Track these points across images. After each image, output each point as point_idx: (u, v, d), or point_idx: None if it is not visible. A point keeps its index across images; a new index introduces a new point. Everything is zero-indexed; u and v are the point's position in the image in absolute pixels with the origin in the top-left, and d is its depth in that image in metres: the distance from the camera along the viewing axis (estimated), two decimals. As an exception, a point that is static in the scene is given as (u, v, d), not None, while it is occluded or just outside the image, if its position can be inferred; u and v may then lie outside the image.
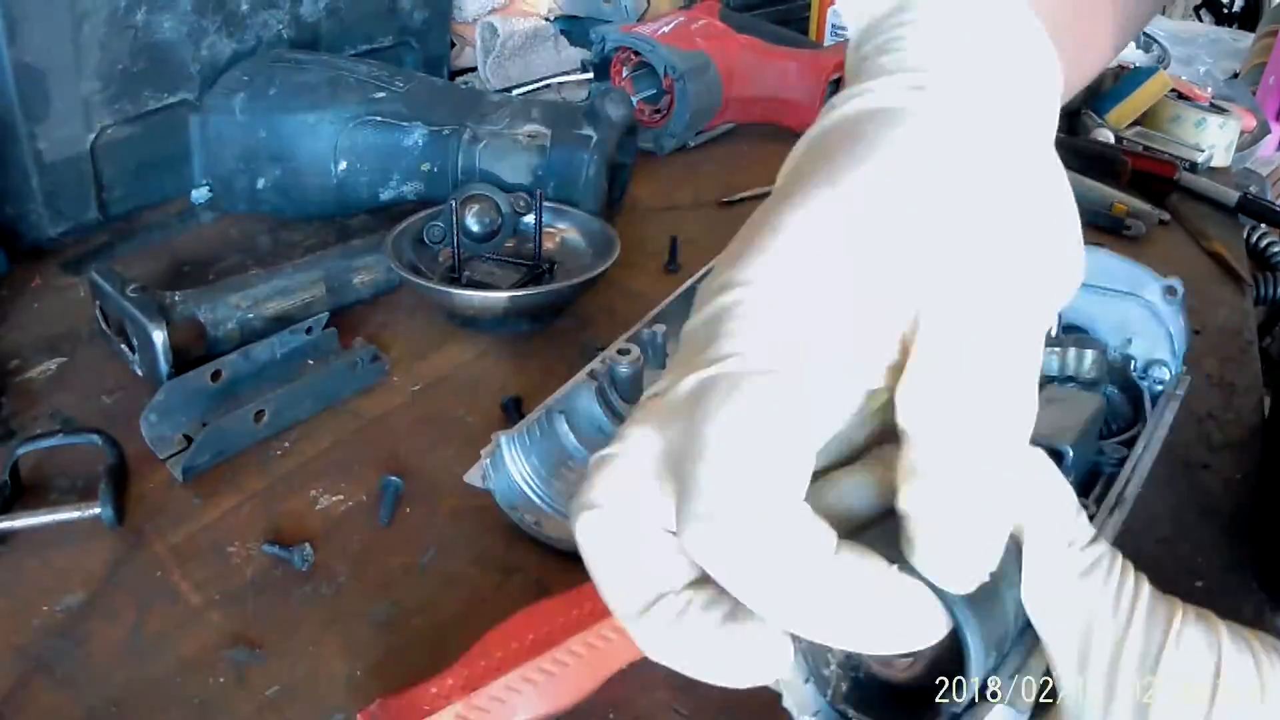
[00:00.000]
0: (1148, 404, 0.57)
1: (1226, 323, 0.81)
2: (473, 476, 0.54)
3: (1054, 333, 0.58)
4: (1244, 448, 0.65)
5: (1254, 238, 1.02)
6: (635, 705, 0.45)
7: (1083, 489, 0.50)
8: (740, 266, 0.28)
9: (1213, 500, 0.60)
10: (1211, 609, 0.52)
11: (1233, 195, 1.03)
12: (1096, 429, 0.52)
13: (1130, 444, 0.54)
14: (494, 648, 0.43)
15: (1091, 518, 0.45)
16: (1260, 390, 0.73)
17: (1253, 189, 1.08)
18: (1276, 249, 1.00)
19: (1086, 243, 0.31)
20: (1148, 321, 0.59)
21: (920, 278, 0.27)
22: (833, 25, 1.34)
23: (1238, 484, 0.62)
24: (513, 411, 0.63)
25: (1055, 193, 0.30)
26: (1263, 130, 1.20)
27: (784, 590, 0.25)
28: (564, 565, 0.52)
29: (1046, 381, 0.56)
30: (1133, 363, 0.60)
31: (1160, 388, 0.59)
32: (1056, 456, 0.46)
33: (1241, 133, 1.14)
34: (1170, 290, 0.58)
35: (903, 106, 0.30)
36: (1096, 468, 0.53)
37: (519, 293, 0.71)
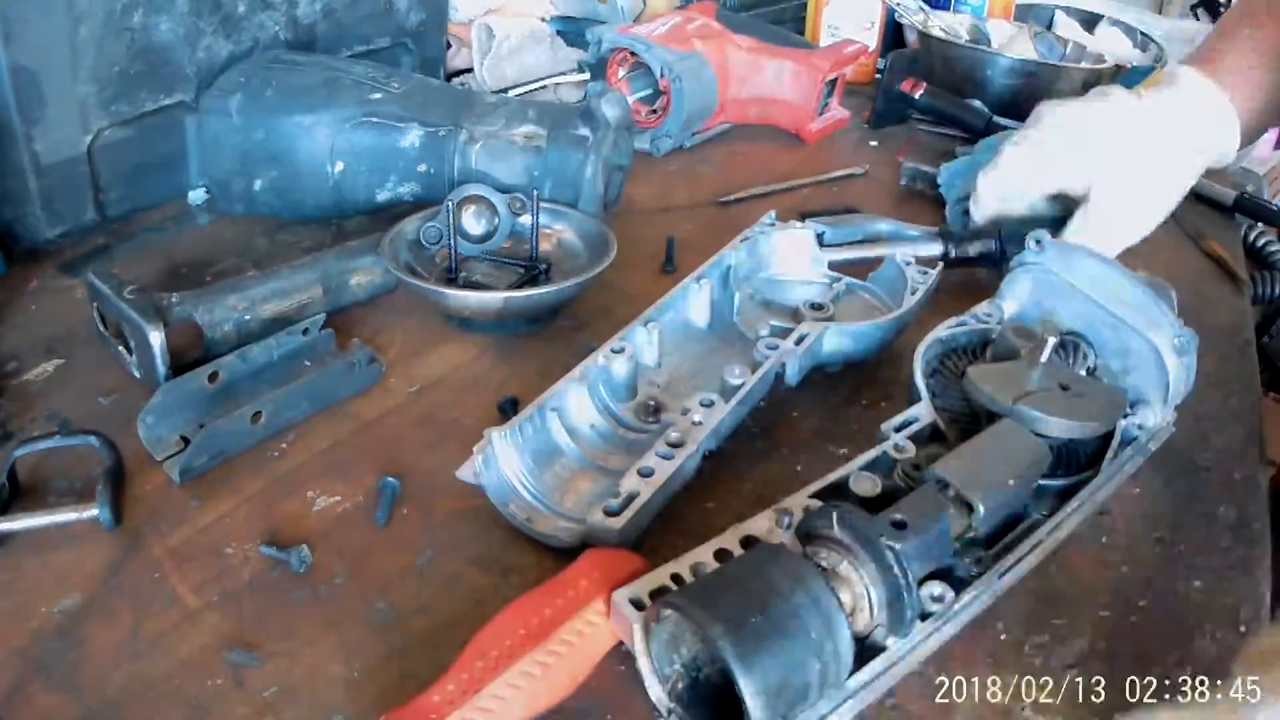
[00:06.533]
0: (1114, 447, 0.54)
1: (1224, 322, 0.81)
2: (464, 472, 0.54)
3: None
4: (1242, 447, 0.65)
5: (1251, 236, 1.02)
6: (634, 704, 0.45)
7: (994, 537, 0.47)
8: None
9: (1212, 500, 0.60)
10: (1211, 609, 0.52)
11: (1230, 194, 1.03)
12: (1034, 475, 0.49)
13: (1068, 495, 0.51)
14: (488, 647, 0.43)
15: (982, 574, 0.44)
16: (1258, 390, 0.73)
17: (1250, 188, 1.08)
18: (1274, 248, 1.00)
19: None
20: (1149, 361, 0.58)
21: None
22: (828, 25, 1.34)
23: (1236, 484, 0.62)
24: (509, 412, 0.63)
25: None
26: (1259, 129, 1.20)
27: None
28: (562, 563, 0.52)
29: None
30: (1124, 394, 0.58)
31: (1138, 432, 0.57)
32: (967, 507, 0.45)
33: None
34: (1180, 345, 0.57)
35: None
36: (1024, 511, 0.50)
37: (515, 294, 0.70)
